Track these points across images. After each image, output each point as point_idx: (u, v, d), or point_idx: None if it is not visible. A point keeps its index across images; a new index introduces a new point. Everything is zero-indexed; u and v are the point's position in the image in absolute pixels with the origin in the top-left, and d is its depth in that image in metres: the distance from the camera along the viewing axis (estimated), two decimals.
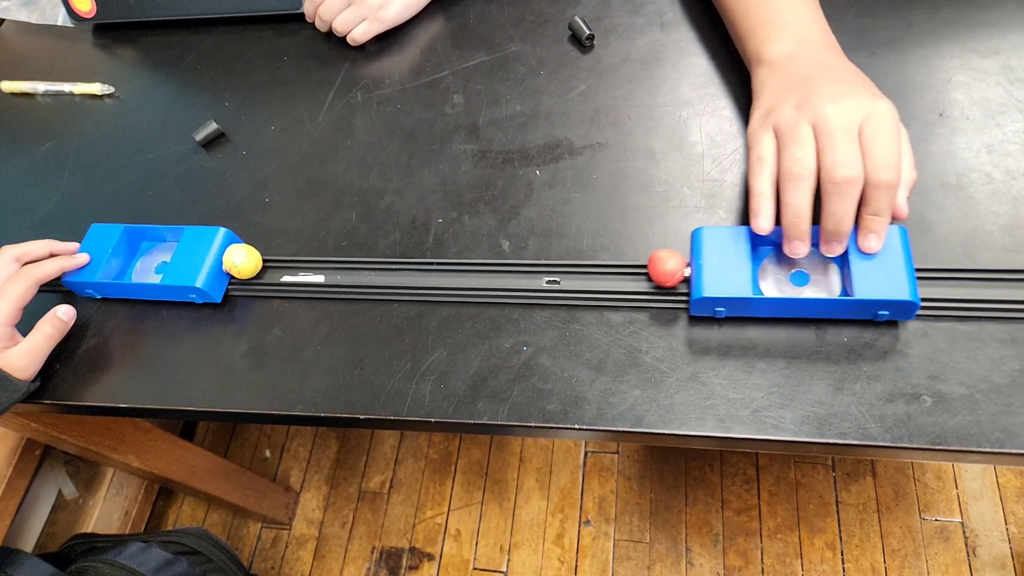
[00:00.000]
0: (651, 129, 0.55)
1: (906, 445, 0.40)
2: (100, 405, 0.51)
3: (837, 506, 1.12)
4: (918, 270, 0.44)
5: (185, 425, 1.33)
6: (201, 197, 0.60)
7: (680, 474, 1.18)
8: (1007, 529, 1.06)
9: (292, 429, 1.34)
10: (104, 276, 0.53)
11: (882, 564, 1.06)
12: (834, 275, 0.44)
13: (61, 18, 0.78)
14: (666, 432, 0.43)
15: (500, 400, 0.45)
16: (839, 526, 1.10)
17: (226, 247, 0.52)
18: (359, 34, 0.65)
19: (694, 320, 0.46)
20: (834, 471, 1.14)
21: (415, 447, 1.29)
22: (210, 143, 0.64)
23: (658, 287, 0.47)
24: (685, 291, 0.46)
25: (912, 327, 0.43)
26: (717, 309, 0.45)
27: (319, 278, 0.53)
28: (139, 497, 1.13)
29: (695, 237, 0.46)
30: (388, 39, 0.67)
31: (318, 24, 0.68)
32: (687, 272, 0.46)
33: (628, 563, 1.13)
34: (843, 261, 0.44)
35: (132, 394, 0.51)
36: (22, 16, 0.79)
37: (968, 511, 1.08)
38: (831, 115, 0.41)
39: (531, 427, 0.44)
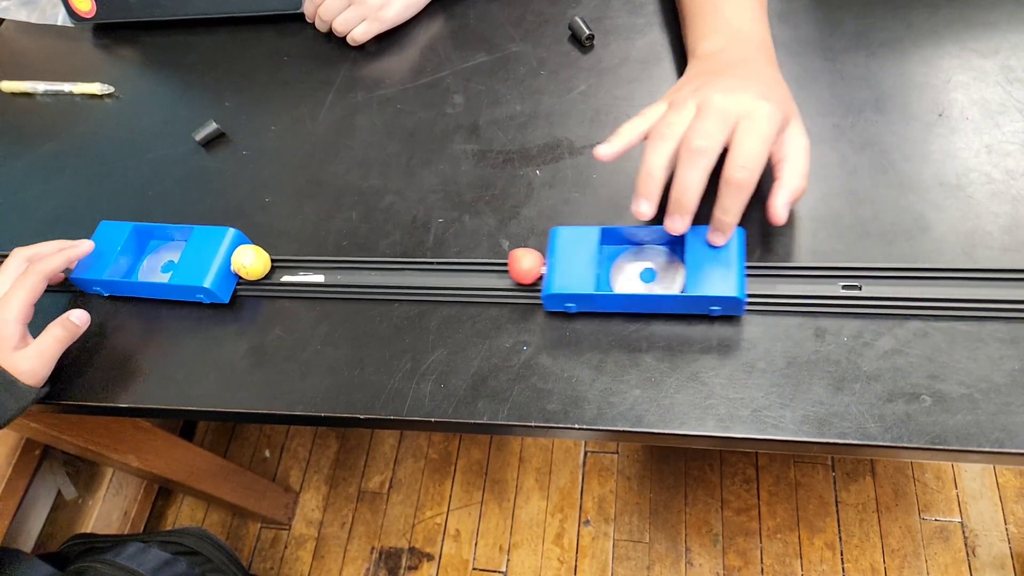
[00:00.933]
0: None
1: (906, 445, 0.40)
2: (100, 405, 0.51)
3: (837, 506, 1.12)
4: (918, 269, 0.45)
5: (185, 425, 1.33)
6: (202, 197, 0.60)
7: (680, 474, 1.18)
8: (1007, 529, 1.06)
9: (292, 429, 1.34)
10: (112, 274, 0.53)
11: (882, 564, 1.07)
12: (679, 273, 0.46)
13: (61, 18, 0.78)
14: (666, 432, 0.43)
15: (500, 400, 0.45)
16: (839, 526, 1.10)
17: (235, 247, 0.52)
18: (359, 34, 0.65)
19: (551, 315, 0.48)
20: (834, 471, 1.14)
21: (415, 447, 1.29)
22: (211, 143, 0.64)
23: (519, 284, 0.49)
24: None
25: (912, 327, 0.43)
26: (567, 305, 0.47)
27: (319, 278, 0.53)
28: (138, 497, 1.13)
29: (551, 236, 0.48)
30: (388, 39, 0.67)
31: (318, 24, 0.68)
32: (544, 270, 0.47)
33: (628, 563, 1.13)
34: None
35: (132, 394, 0.51)
36: (22, 16, 0.79)
37: (968, 511, 1.08)
38: (714, 99, 0.42)
39: (531, 427, 0.44)
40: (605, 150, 0.44)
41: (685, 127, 0.42)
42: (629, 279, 0.47)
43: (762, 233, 0.48)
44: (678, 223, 0.42)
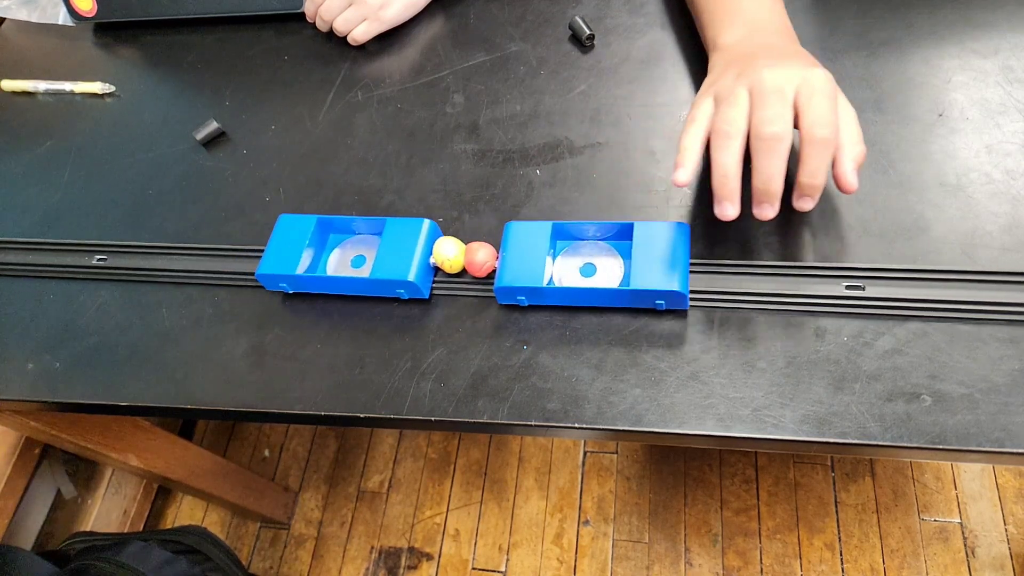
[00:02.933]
0: (651, 128, 0.56)
1: (906, 444, 0.40)
2: (99, 403, 0.51)
3: (836, 506, 1.12)
4: (917, 270, 0.45)
5: (184, 424, 1.33)
6: (202, 196, 0.60)
7: (679, 474, 1.18)
8: (1006, 529, 1.06)
9: (291, 429, 1.34)
10: (302, 269, 0.50)
11: (881, 564, 1.07)
12: (616, 268, 0.48)
13: (62, 17, 0.78)
14: (666, 431, 0.43)
15: (500, 399, 0.45)
16: (838, 526, 1.10)
17: (432, 239, 0.50)
18: (360, 34, 0.66)
19: (504, 308, 0.48)
20: (833, 471, 1.14)
21: (414, 447, 1.29)
22: (211, 142, 0.64)
23: (473, 278, 0.50)
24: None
25: (912, 327, 0.43)
26: (519, 297, 0.47)
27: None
28: (138, 496, 1.13)
29: (506, 231, 0.49)
30: (388, 39, 0.68)
31: (319, 24, 0.68)
32: (497, 264, 0.48)
33: (627, 563, 1.13)
34: (629, 254, 0.47)
35: (131, 392, 0.51)
36: (23, 15, 0.79)
37: (967, 511, 1.08)
38: (766, 78, 0.42)
39: (531, 426, 0.44)
40: (683, 176, 0.43)
41: (744, 117, 0.42)
42: (569, 273, 0.48)
43: (762, 232, 0.48)
44: (768, 211, 0.42)
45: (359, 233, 0.53)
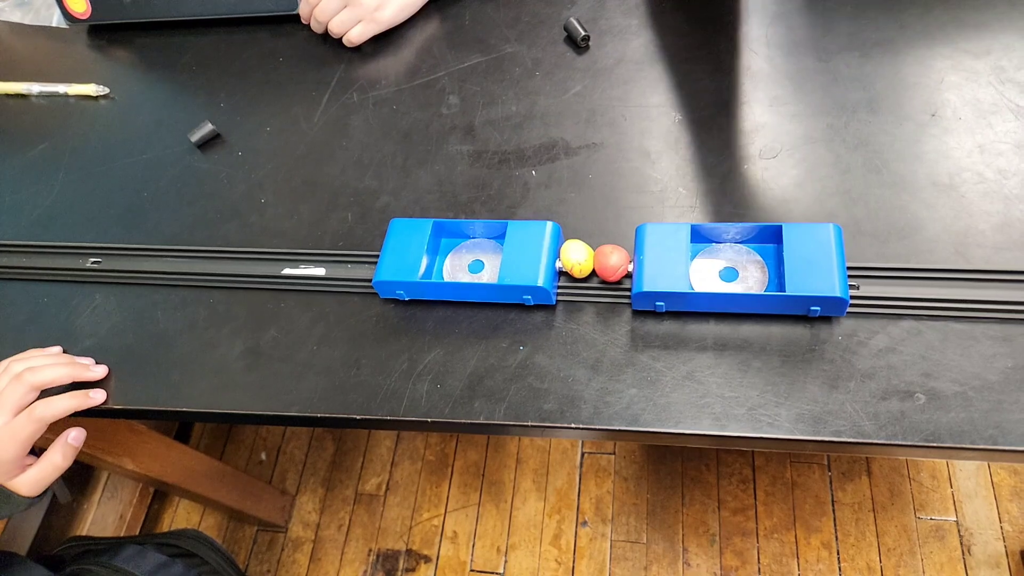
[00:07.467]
0: (646, 129, 0.56)
1: (900, 442, 0.40)
2: (95, 407, 0.51)
3: (833, 505, 1.12)
4: (911, 269, 0.45)
5: (180, 427, 1.33)
6: (197, 198, 0.60)
7: (676, 474, 1.18)
8: (1001, 528, 1.07)
9: (288, 432, 1.34)
10: (424, 276, 0.49)
11: (878, 563, 1.07)
12: (760, 272, 0.46)
13: (56, 19, 0.78)
14: (662, 431, 0.43)
15: (497, 399, 0.45)
16: (835, 525, 1.10)
17: (556, 242, 0.48)
18: (355, 36, 0.66)
19: (638, 314, 0.47)
20: (830, 471, 1.15)
21: (411, 449, 1.29)
22: (206, 144, 0.64)
23: (603, 282, 0.48)
24: (628, 286, 0.47)
25: (906, 325, 0.44)
26: (657, 303, 0.46)
27: (320, 271, 0.53)
28: (134, 500, 1.13)
29: (639, 233, 0.47)
30: (384, 40, 0.68)
31: (314, 26, 0.68)
32: (630, 267, 0.47)
33: (625, 564, 1.13)
34: (777, 259, 0.45)
35: (126, 395, 0.51)
36: (16, 17, 0.79)
37: (963, 510, 1.09)
38: None
39: (528, 426, 0.44)
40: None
41: None
42: (707, 278, 0.46)
43: None
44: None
45: (473, 237, 0.51)
